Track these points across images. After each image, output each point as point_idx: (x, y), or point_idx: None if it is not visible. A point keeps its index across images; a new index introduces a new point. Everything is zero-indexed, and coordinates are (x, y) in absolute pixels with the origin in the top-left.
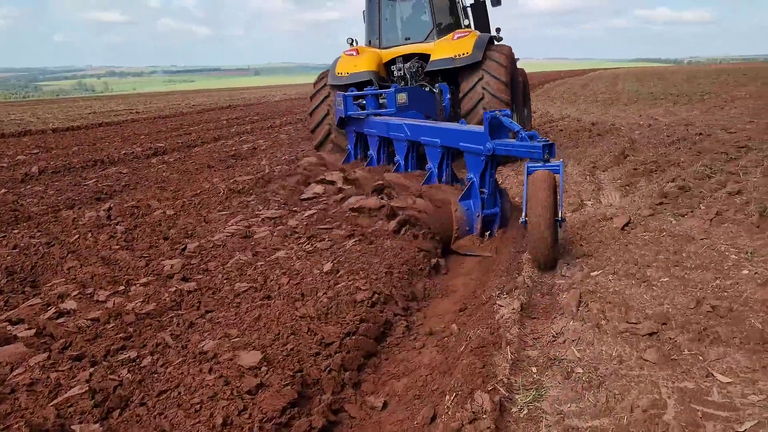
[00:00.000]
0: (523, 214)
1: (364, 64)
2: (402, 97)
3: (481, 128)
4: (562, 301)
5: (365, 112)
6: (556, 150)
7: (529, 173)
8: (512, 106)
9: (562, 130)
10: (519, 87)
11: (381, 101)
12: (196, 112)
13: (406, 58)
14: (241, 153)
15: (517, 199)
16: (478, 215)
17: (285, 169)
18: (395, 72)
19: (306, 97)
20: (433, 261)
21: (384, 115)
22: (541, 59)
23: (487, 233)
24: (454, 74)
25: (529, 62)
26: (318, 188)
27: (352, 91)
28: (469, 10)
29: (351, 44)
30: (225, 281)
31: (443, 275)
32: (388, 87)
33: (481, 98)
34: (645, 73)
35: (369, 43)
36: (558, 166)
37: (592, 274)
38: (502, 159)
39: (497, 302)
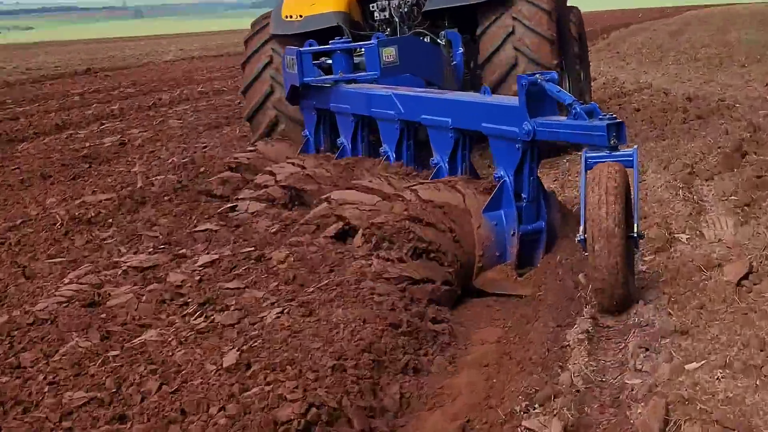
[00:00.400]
0: (581, 229)
1: (327, 1)
2: (390, 53)
3: (515, 100)
4: (636, 420)
5: (332, 77)
6: (627, 134)
7: (588, 167)
8: (561, 59)
9: (638, 110)
10: (570, 38)
11: (357, 60)
12: (31, 81)
13: None
14: (100, 152)
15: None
16: (514, 233)
17: (172, 180)
18: (376, 14)
19: (220, 55)
20: (433, 326)
21: (363, 82)
22: None
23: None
24: (468, 15)
25: None
26: (244, 205)
27: (310, 45)
28: None
29: None
30: (48, 388)
31: (445, 351)
32: (368, 38)
33: (513, 65)
34: None
35: None
36: (631, 155)
37: (687, 367)
38: (546, 147)
39: (523, 423)
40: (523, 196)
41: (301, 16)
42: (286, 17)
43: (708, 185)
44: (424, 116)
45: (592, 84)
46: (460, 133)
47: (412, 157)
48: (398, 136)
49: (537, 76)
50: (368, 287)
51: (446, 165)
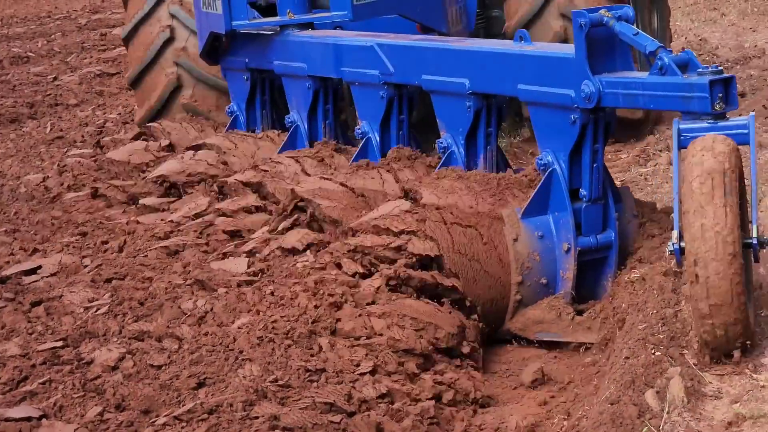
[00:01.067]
0: (674, 234)
1: None
2: None
3: (569, 50)
4: None
5: (277, 20)
6: (738, 98)
7: (682, 146)
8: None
9: (742, 95)
10: None
11: None
12: None
13: None
14: None
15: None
16: (569, 249)
17: None
18: None
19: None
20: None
21: (326, 27)
22: None
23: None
24: None
25: None
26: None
27: None
28: None
29: None
30: None
31: None
32: None
33: None
34: None
35: None
36: (746, 126)
37: None
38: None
39: None
40: (583, 193)
41: None
42: None
43: None
44: (426, 77)
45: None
46: (483, 101)
47: (405, 138)
48: (384, 108)
49: (602, 11)
50: None
51: (461, 149)
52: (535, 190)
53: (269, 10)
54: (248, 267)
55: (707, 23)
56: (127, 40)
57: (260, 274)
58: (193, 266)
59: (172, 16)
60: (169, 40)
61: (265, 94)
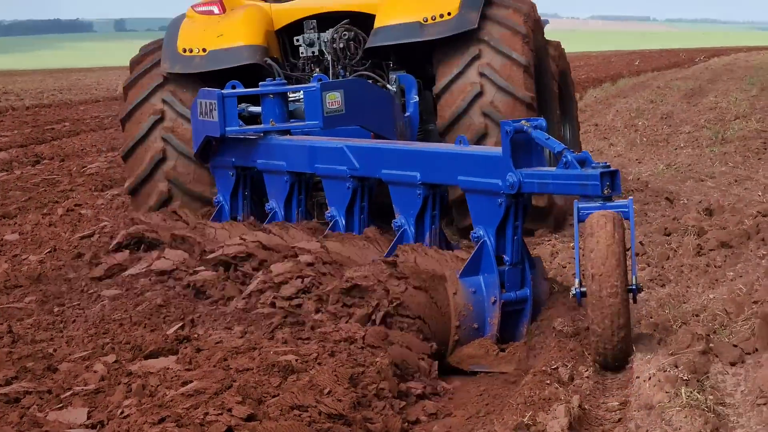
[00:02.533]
0: (576, 282)
1: (239, 32)
2: (335, 99)
3: (496, 150)
4: None
5: (261, 127)
6: (621, 183)
7: (581, 219)
8: (540, 114)
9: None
10: (550, 78)
11: (291, 107)
12: None
13: (325, 21)
14: None
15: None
16: (495, 302)
17: None
18: (302, 49)
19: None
20: None
21: (299, 133)
22: (587, 18)
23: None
24: (422, 56)
25: (564, 31)
26: None
27: (234, 87)
28: None
29: None
30: None
31: None
32: (298, 80)
33: (478, 93)
34: None
35: None
36: (627, 206)
37: None
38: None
39: None
40: (506, 259)
41: (204, 50)
42: (184, 51)
43: (734, 375)
44: (385, 171)
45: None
46: (430, 190)
47: (365, 221)
48: (350, 196)
49: (523, 122)
50: None
51: (412, 228)
52: (471, 256)
53: (252, 120)
54: None
55: (596, 152)
56: (125, 157)
57: None
58: None
59: (164, 139)
60: (162, 160)
61: (247, 187)
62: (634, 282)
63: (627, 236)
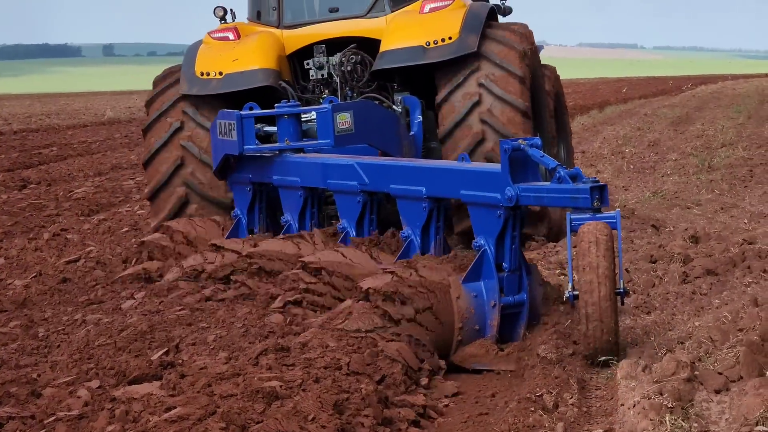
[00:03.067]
0: (569, 286)
1: (253, 57)
2: (345, 120)
3: (496, 166)
4: None
5: (277, 146)
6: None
7: (573, 229)
8: (535, 131)
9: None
10: (546, 95)
11: (304, 127)
12: None
13: (333, 46)
14: None
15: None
16: (495, 305)
17: None
18: (312, 72)
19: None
20: None
21: (312, 151)
22: (575, 45)
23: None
24: (425, 78)
25: (553, 58)
26: None
27: (251, 109)
28: None
29: (222, 19)
30: None
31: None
32: (309, 102)
33: (477, 102)
34: None
35: (257, 17)
36: (614, 217)
37: None
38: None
39: None
40: (505, 266)
41: (221, 74)
42: (202, 74)
43: (718, 402)
44: (394, 186)
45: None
46: (435, 203)
47: (373, 230)
48: (360, 209)
49: (520, 141)
50: None
51: (418, 239)
52: (472, 263)
53: (267, 139)
54: None
55: (645, 181)
56: (146, 164)
57: None
58: None
59: (183, 146)
60: (180, 166)
61: (263, 202)
62: (621, 286)
63: (615, 244)
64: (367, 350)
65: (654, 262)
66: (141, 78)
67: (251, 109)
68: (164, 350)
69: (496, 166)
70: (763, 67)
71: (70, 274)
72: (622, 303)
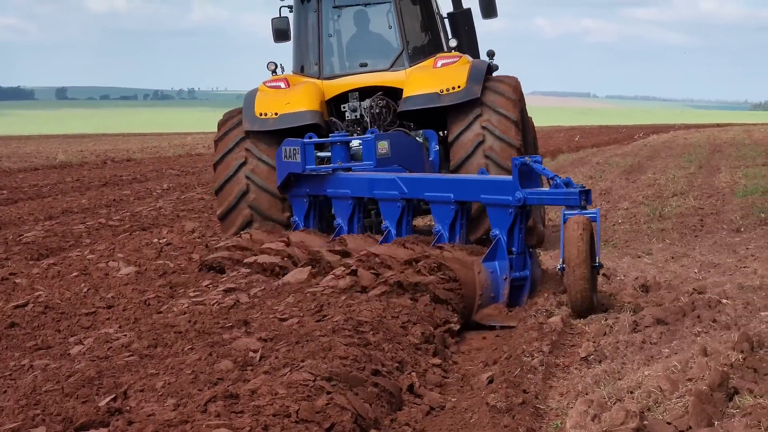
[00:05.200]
0: (560, 260)
1: (301, 101)
2: (384, 146)
3: (508, 177)
4: None
5: (331, 166)
6: (592, 197)
7: (564, 220)
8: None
9: (560, 305)
10: (531, 139)
11: (351, 152)
12: None
13: (364, 93)
14: None
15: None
16: (506, 279)
17: None
18: (348, 113)
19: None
20: None
21: (358, 170)
22: (529, 93)
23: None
24: (438, 117)
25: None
26: None
27: (310, 137)
28: (446, 22)
29: (274, 72)
30: None
31: None
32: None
33: (481, 141)
34: None
35: (301, 71)
36: (595, 213)
37: None
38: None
39: None
40: (514, 250)
41: (276, 114)
42: (261, 114)
43: None
44: (428, 194)
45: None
46: (460, 206)
47: (410, 230)
48: (400, 213)
49: (526, 158)
50: None
51: (447, 233)
52: (490, 248)
53: (320, 161)
54: None
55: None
56: (217, 192)
57: None
58: None
59: (247, 177)
60: (245, 193)
61: (316, 210)
62: (597, 261)
63: (594, 232)
64: (317, 398)
65: (605, 311)
66: (94, 121)
67: (310, 137)
68: (112, 396)
69: (508, 177)
70: (713, 117)
71: (18, 318)
72: (597, 273)
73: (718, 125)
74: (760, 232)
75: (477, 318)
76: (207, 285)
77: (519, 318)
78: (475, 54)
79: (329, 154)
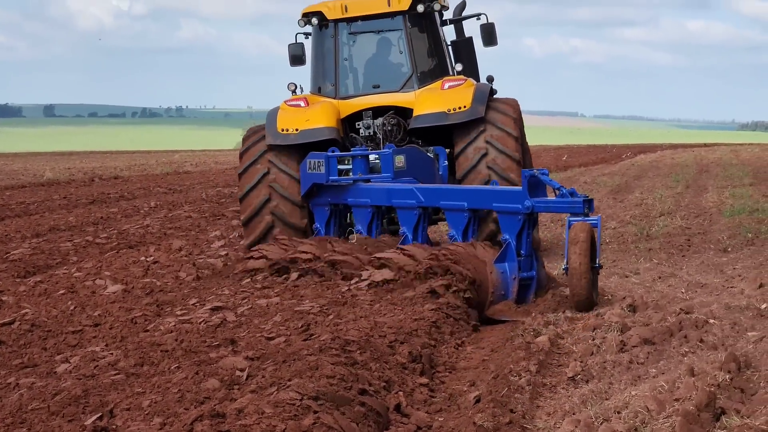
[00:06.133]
0: (565, 261)
1: (320, 118)
2: (400, 160)
3: (518, 187)
4: None
5: (353, 177)
6: (594, 205)
7: (569, 226)
8: (525, 167)
9: (547, 324)
10: (529, 156)
11: (371, 165)
12: None
13: (376, 112)
14: None
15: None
16: (515, 278)
17: None
18: (362, 130)
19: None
20: None
21: (376, 181)
22: (522, 113)
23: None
24: (444, 134)
25: None
26: None
27: (333, 151)
28: (450, 49)
29: (294, 92)
30: None
31: None
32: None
33: (485, 154)
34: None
35: (318, 91)
36: (597, 220)
37: None
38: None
39: None
40: (522, 252)
41: (297, 130)
42: (282, 130)
43: None
44: (443, 202)
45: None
46: (472, 213)
47: (426, 236)
48: (417, 220)
49: (534, 171)
50: None
51: (460, 237)
52: (500, 251)
53: (340, 173)
54: None
55: None
56: (241, 199)
57: None
58: None
59: (270, 186)
60: (267, 200)
61: (336, 217)
62: (597, 262)
63: (595, 236)
64: (304, 418)
65: (592, 330)
66: (82, 139)
67: (333, 151)
68: (98, 415)
69: (518, 187)
70: (701, 137)
71: (5, 336)
72: (597, 273)
73: (705, 145)
74: (747, 252)
75: (488, 313)
76: (194, 303)
77: (526, 313)
78: (475, 78)
79: (350, 166)
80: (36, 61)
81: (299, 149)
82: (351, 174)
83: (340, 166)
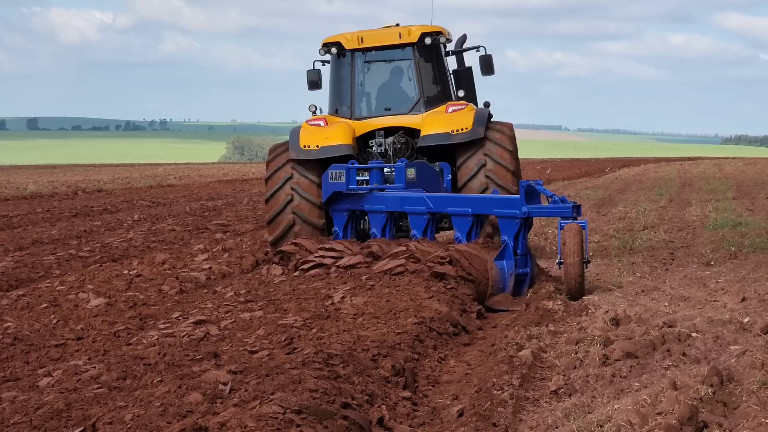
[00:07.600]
0: (558, 257)
1: (338, 136)
2: (411, 173)
3: (515, 196)
4: None
5: (368, 186)
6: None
7: (561, 228)
8: (516, 181)
9: (530, 338)
10: (519, 163)
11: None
12: None
13: (388, 132)
14: None
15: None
16: (512, 274)
17: None
18: (374, 147)
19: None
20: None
21: (390, 190)
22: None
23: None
24: (448, 152)
25: None
26: None
27: (353, 164)
28: (453, 77)
29: (314, 113)
30: None
31: None
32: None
33: (483, 164)
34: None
35: (336, 113)
36: (584, 222)
37: None
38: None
39: None
40: (518, 252)
41: (317, 146)
42: (305, 146)
43: None
44: (450, 209)
45: None
46: (476, 218)
47: (434, 239)
48: (426, 224)
49: (531, 182)
50: None
51: (465, 239)
52: (499, 250)
53: (359, 183)
54: None
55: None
56: (267, 200)
57: None
58: None
59: (292, 189)
60: (290, 201)
61: (354, 222)
62: (587, 257)
63: (583, 235)
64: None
65: (575, 344)
66: (65, 152)
67: (353, 164)
68: (80, 429)
69: (516, 195)
70: (684, 150)
71: None
72: (586, 266)
73: (688, 159)
74: (730, 266)
75: (489, 303)
76: (177, 317)
77: (521, 304)
78: (474, 103)
79: (366, 177)
80: (19, 74)
81: (318, 163)
82: (368, 184)
83: (358, 177)
